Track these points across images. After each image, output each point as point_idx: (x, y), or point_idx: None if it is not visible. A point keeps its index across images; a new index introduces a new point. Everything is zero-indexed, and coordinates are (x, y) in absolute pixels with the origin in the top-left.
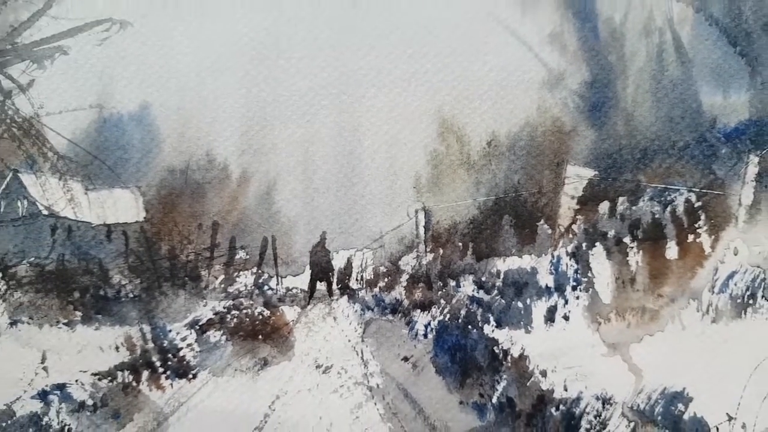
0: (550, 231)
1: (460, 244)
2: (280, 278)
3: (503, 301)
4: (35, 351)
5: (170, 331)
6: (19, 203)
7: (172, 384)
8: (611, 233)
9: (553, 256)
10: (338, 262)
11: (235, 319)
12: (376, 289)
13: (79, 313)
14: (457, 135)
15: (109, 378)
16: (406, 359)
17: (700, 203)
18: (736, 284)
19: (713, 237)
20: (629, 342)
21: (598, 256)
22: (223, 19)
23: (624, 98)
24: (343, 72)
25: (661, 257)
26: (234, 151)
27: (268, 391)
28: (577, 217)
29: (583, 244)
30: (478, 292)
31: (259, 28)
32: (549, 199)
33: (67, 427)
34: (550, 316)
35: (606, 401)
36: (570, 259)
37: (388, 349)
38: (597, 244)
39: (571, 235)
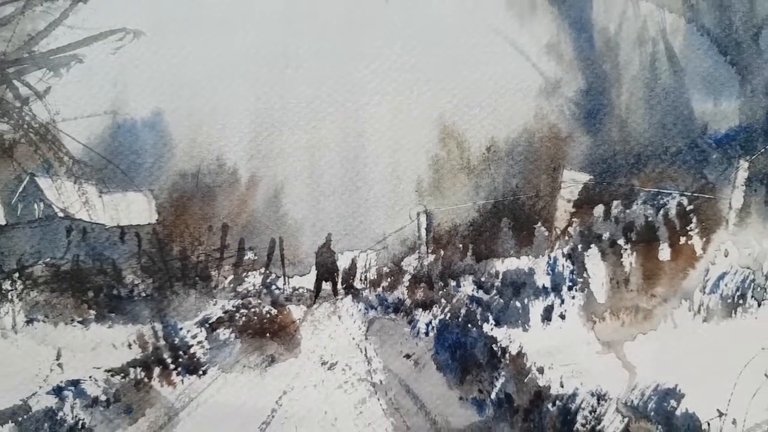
0: (547, 233)
1: (461, 245)
2: (287, 278)
3: (502, 300)
4: (51, 348)
5: (181, 329)
6: (35, 206)
7: (182, 380)
8: (606, 235)
9: (549, 258)
10: (343, 263)
11: (243, 318)
12: (380, 289)
13: (93, 312)
14: (458, 141)
15: (122, 374)
16: (408, 356)
17: (691, 207)
18: (726, 285)
19: (704, 239)
20: (623, 340)
21: (593, 258)
22: (233, 30)
23: (618, 105)
24: (347, 81)
25: (654, 259)
26: (243, 156)
27: (276, 386)
28: (573, 219)
29: (579, 246)
30: (477, 292)
31: (267, 38)
32: (546, 203)
33: (81, 422)
34: (546, 315)
35: (601, 397)
36: (566, 260)
37: (390, 347)
38: (592, 245)
39: (567, 237)
